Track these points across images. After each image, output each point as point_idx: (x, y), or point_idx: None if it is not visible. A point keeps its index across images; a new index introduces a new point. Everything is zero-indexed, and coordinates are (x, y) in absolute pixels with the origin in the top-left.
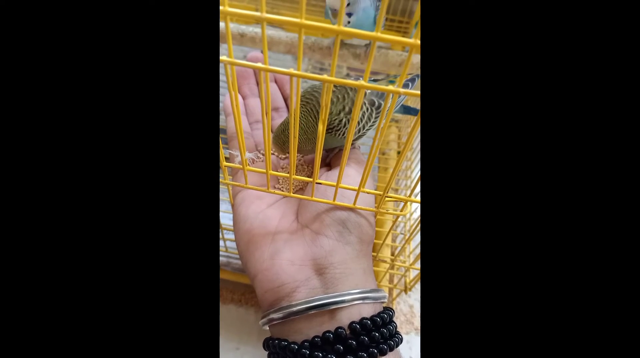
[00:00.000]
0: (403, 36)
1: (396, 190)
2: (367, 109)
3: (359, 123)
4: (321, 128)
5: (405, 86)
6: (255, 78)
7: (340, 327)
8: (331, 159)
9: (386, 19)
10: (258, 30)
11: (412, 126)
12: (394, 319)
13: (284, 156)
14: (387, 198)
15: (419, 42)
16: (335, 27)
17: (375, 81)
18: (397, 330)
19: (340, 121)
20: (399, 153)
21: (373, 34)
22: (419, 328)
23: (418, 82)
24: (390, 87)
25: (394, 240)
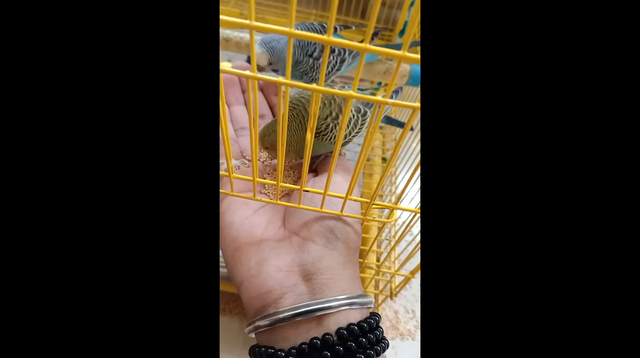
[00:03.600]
0: (386, 44)
1: (380, 196)
2: (354, 116)
3: (345, 130)
4: (309, 137)
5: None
6: (240, 86)
7: (327, 333)
8: (317, 166)
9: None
10: (243, 35)
11: (399, 138)
12: (380, 324)
13: (265, 157)
14: (373, 206)
15: (407, 54)
16: (324, 37)
17: (360, 89)
18: (384, 335)
19: (327, 126)
20: (383, 158)
21: (362, 45)
22: (404, 333)
23: (401, 94)
24: (379, 97)
25: (378, 246)
